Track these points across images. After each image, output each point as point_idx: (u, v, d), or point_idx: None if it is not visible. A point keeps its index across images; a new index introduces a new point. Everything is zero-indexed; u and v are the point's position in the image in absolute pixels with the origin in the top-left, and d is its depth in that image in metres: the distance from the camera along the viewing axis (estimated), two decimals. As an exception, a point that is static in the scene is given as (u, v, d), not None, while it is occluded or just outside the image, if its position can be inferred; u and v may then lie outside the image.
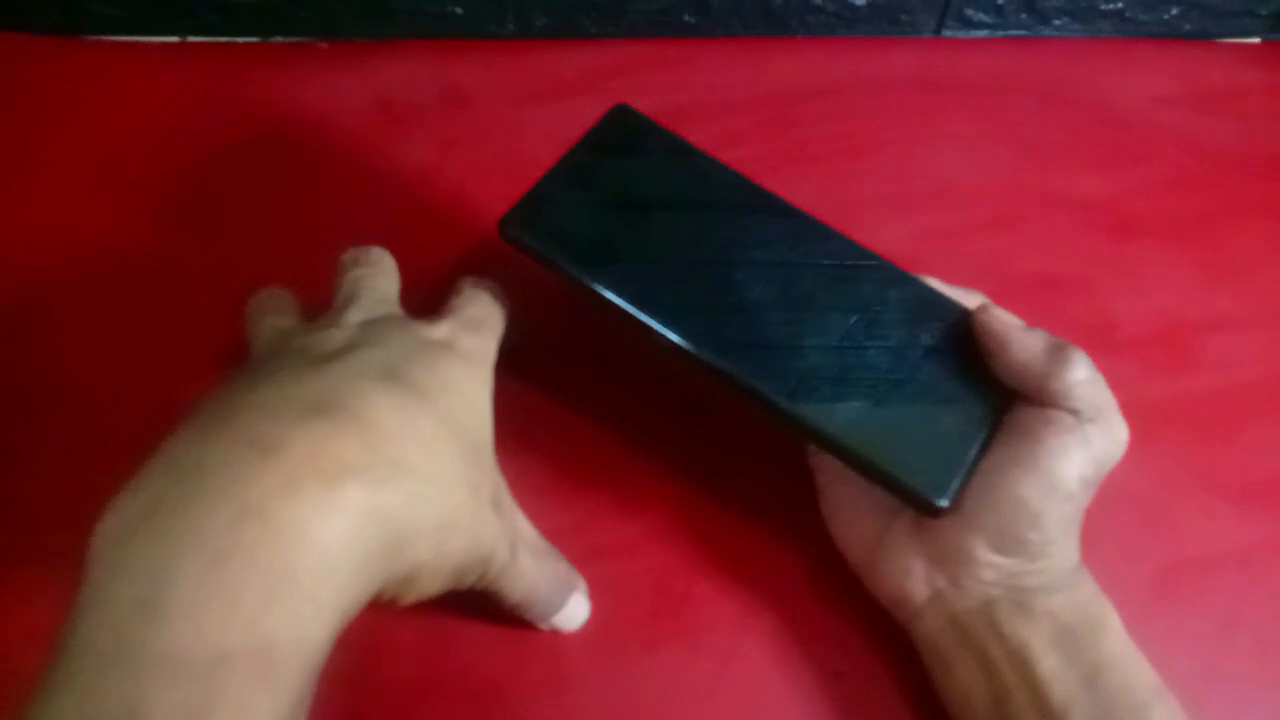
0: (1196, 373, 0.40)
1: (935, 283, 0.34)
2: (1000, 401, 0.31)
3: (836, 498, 0.33)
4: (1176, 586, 0.35)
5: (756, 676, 0.33)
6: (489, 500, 0.28)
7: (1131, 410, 0.39)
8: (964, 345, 0.32)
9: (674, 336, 0.31)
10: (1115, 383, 0.39)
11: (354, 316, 0.29)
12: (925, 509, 0.30)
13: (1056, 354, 0.30)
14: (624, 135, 0.35)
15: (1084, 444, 0.29)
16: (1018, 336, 0.31)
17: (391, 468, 0.24)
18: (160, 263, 0.40)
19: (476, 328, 0.31)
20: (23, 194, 0.42)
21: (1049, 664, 0.28)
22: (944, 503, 0.29)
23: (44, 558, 0.34)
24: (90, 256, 0.40)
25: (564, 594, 0.32)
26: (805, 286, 0.33)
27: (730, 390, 0.31)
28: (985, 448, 0.30)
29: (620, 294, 0.32)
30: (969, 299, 0.33)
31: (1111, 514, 0.36)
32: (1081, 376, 0.30)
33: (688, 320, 0.31)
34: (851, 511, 0.33)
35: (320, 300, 0.40)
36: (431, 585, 0.27)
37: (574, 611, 0.32)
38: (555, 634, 0.33)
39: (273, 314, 0.33)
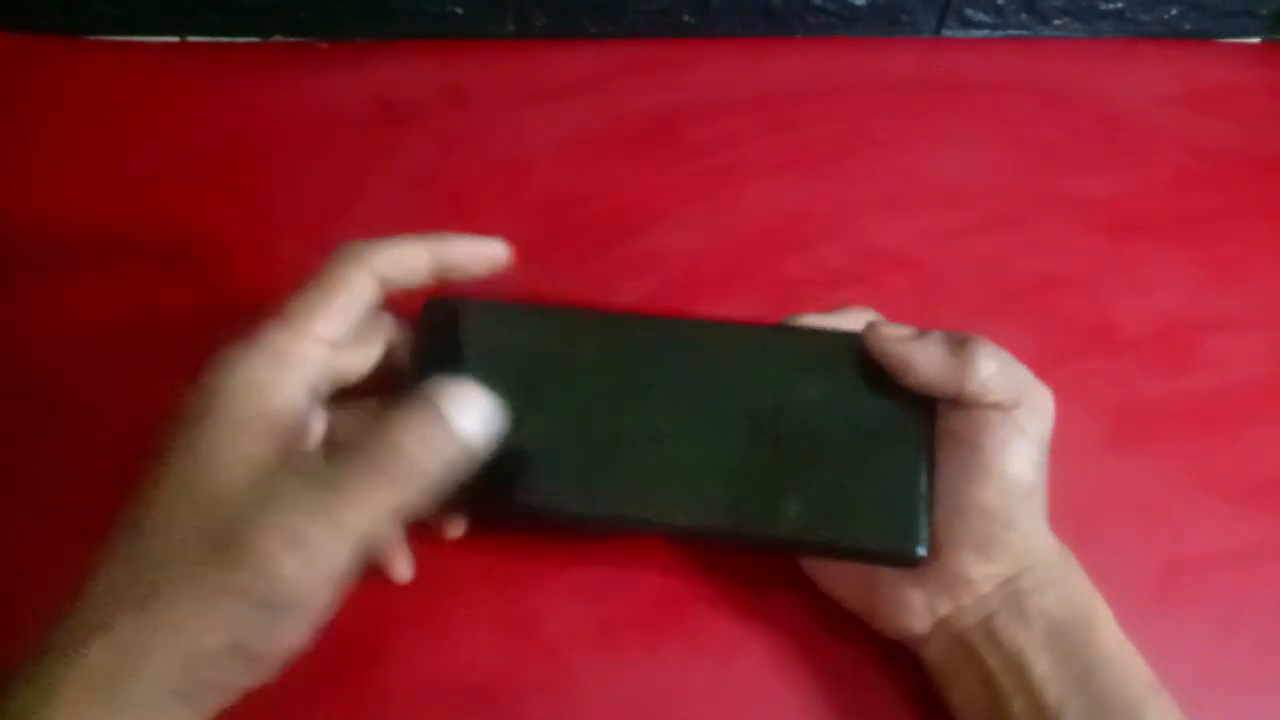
0: (1196, 373, 0.40)
1: (813, 319, 0.32)
2: (926, 413, 0.30)
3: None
4: (1176, 586, 0.35)
5: (756, 676, 0.33)
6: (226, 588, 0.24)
7: (1131, 410, 0.39)
8: (869, 373, 0.30)
9: (602, 516, 0.30)
10: (1115, 383, 0.40)
11: None
12: (907, 564, 0.29)
13: (959, 355, 0.29)
14: (448, 328, 0.32)
15: (1020, 434, 0.29)
16: (914, 351, 0.30)
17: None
18: (159, 262, 0.40)
19: None
20: (22, 194, 0.42)
21: (1043, 666, 0.28)
22: (923, 551, 0.29)
23: (42, 559, 0.34)
24: (89, 256, 0.40)
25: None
26: (693, 399, 0.30)
27: (674, 535, 0.30)
28: (932, 473, 0.30)
29: (534, 503, 0.30)
30: (855, 320, 0.32)
31: (1111, 514, 0.36)
32: (991, 369, 0.29)
33: (603, 494, 0.30)
34: (833, 564, 0.32)
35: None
36: (281, 646, 0.25)
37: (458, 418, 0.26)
38: (555, 634, 0.33)
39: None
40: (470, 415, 0.26)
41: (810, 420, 0.30)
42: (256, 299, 0.39)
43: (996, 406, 0.29)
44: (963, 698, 0.30)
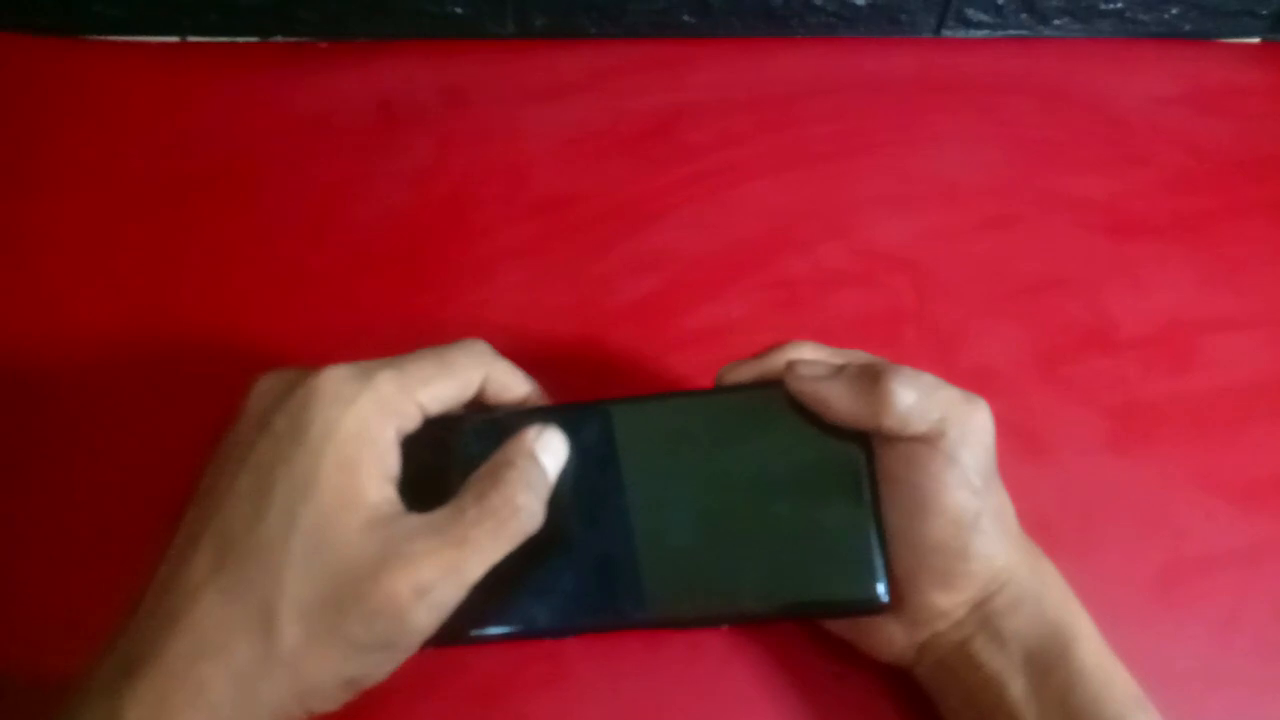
0: (1196, 373, 0.40)
1: (747, 365, 0.31)
2: (864, 449, 0.29)
3: None
4: (1176, 586, 0.35)
5: (756, 676, 0.33)
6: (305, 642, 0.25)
7: (1131, 410, 0.39)
8: (802, 418, 0.29)
9: (563, 627, 0.30)
10: (1115, 383, 0.40)
11: None
12: (872, 611, 0.29)
13: (873, 391, 0.28)
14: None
15: (951, 464, 0.28)
16: (827, 390, 0.29)
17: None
18: (160, 262, 0.40)
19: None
20: (22, 194, 0.42)
21: (1019, 687, 0.28)
22: (884, 597, 0.29)
23: (42, 561, 0.34)
24: (89, 256, 0.40)
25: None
26: (636, 491, 0.30)
27: (652, 626, 0.30)
28: (879, 510, 0.29)
29: (495, 628, 0.29)
30: (779, 358, 0.30)
31: (1111, 514, 0.36)
32: (908, 401, 0.28)
33: (560, 605, 0.29)
34: None
35: (320, 304, 0.40)
36: (338, 695, 0.26)
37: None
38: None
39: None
40: (553, 457, 0.29)
41: (754, 485, 0.29)
42: (256, 299, 0.40)
43: (922, 439, 0.28)
44: (951, 712, 0.30)
